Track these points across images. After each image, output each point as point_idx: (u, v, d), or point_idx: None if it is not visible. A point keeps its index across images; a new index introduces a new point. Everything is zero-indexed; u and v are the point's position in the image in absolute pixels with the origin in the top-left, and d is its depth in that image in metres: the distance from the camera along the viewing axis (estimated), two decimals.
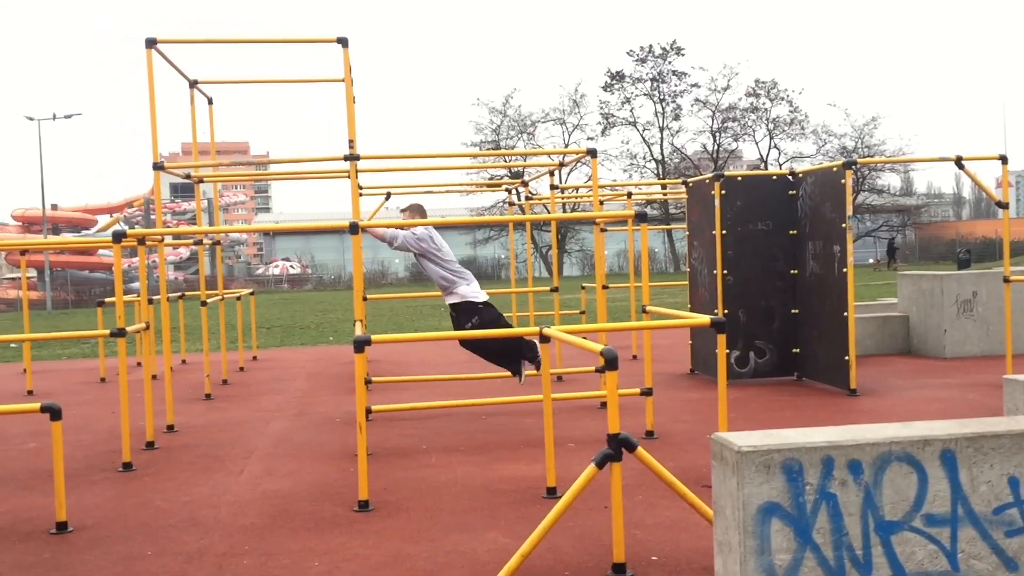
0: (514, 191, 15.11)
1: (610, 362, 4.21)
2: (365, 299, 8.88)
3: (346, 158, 8.17)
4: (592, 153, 8.88)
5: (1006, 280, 9.34)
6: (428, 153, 9.81)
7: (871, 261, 48.73)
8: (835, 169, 9.18)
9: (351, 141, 8.23)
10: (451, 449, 7.17)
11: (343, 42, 8.37)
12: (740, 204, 10.05)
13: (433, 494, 5.81)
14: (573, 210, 31.96)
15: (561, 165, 10.79)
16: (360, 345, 5.32)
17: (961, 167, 9.10)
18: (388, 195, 12.72)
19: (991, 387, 9.06)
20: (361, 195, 11.09)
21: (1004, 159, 9.04)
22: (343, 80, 8.63)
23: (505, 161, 37.10)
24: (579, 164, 39.75)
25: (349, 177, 8.40)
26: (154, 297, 9.30)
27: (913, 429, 3.15)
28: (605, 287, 8.97)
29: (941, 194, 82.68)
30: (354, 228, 6.49)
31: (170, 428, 8.33)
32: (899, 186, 65.04)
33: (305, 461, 6.91)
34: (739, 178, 10.28)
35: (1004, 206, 9.27)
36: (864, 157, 50.88)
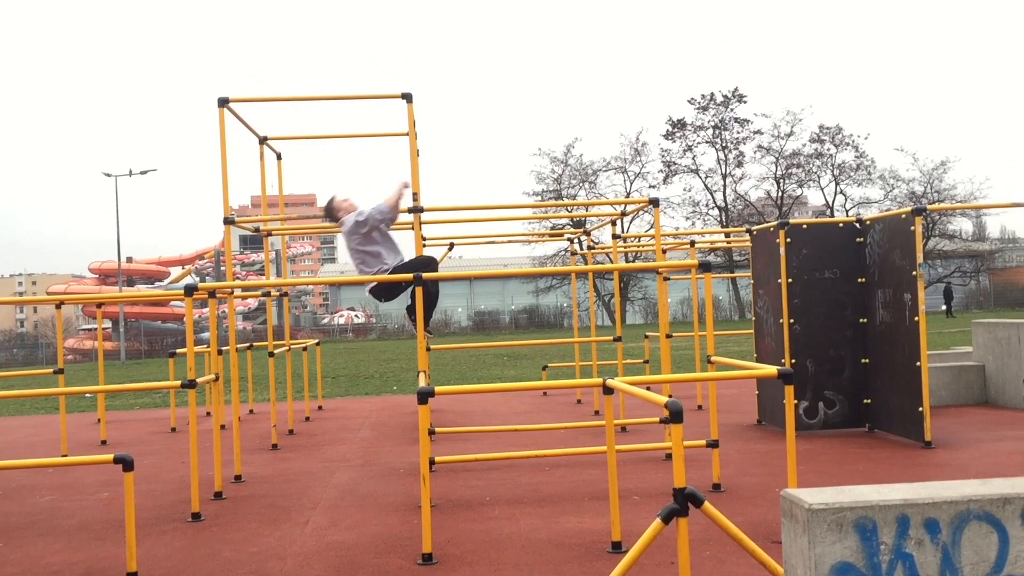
0: (576, 240, 15.14)
1: (675, 414, 4.16)
2: (429, 349, 8.95)
3: (410, 210, 8.30)
4: (655, 202, 8.87)
5: None
6: (490, 205, 9.92)
7: (942, 308, 47.49)
8: (904, 216, 9.01)
9: (415, 194, 8.36)
10: (515, 501, 7.12)
11: (407, 97, 8.55)
12: (806, 252, 9.92)
13: (497, 547, 5.77)
14: (636, 258, 31.88)
15: (623, 215, 10.79)
16: (424, 397, 5.35)
17: None
18: (451, 246, 12.86)
19: None
20: (425, 246, 11.23)
21: None
22: (407, 134, 8.80)
23: (568, 211, 37.23)
24: (642, 212, 39.71)
25: (413, 229, 8.51)
26: (223, 348, 9.48)
27: (992, 487, 3.04)
28: (669, 336, 8.89)
29: (1016, 238, 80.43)
30: (418, 280, 6.56)
31: (238, 478, 8.44)
32: (971, 231, 63.58)
33: (369, 512, 6.93)
34: (804, 226, 10.15)
35: None
36: (933, 202, 49.92)
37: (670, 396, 4.23)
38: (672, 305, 50.23)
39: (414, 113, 8.72)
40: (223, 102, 8.76)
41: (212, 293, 7.64)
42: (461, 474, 8.26)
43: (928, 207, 9.65)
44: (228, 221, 8.96)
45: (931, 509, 2.92)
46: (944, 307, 47.44)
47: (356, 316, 64.09)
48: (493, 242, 13.44)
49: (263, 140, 10.97)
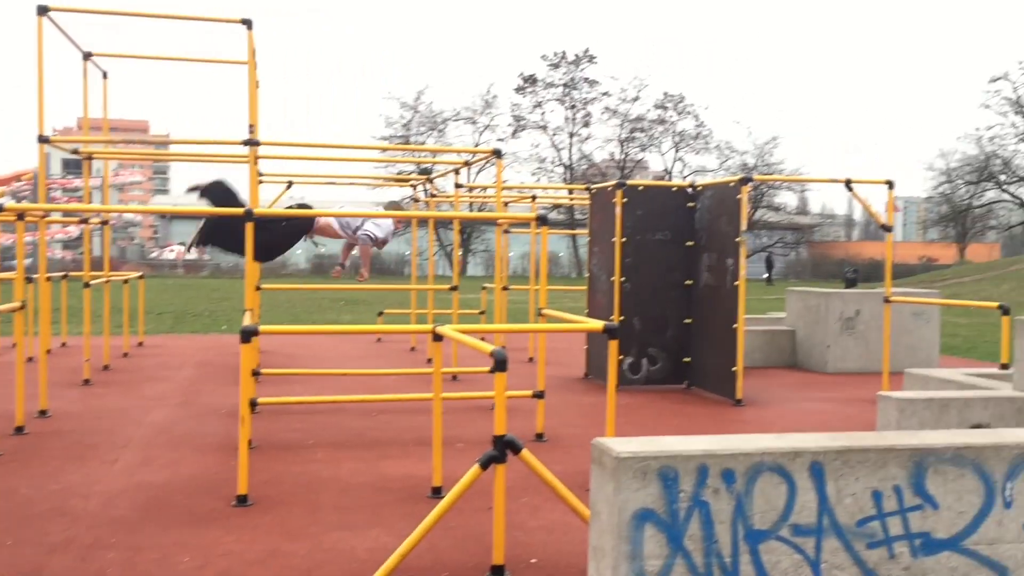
0: (419, 187, 15.01)
1: (499, 363, 4.20)
2: (259, 288, 8.68)
3: (245, 143, 7.96)
4: (498, 154, 8.88)
5: (886, 300, 9.72)
6: (333, 143, 9.65)
7: (764, 276, 50.20)
8: (732, 184, 9.40)
9: (251, 126, 8.03)
10: (339, 445, 7.06)
11: (248, 24, 8.17)
12: (640, 213, 10.20)
13: (316, 490, 5.71)
14: (480, 210, 31.97)
15: (467, 164, 10.76)
16: (247, 335, 5.18)
17: (850, 189, 9.44)
18: (290, 184, 12.48)
19: (868, 402, 9.41)
20: (261, 182, 10.85)
21: (891, 184, 9.41)
22: (246, 63, 8.42)
23: (414, 156, 36.86)
24: (488, 164, 39.81)
25: (248, 163, 8.19)
26: (33, 276, 8.89)
27: (785, 441, 3.23)
28: (505, 288, 8.99)
29: (834, 215, 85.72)
30: (249, 215, 6.32)
31: (43, 413, 7.97)
32: (795, 205, 67.22)
33: (185, 452, 6.70)
34: (640, 187, 10.43)
35: (888, 229, 9.65)
36: (764, 175, 52.39)
37: (503, 348, 4.27)
38: (514, 259, 50.83)
39: (254, 41, 8.34)
40: (43, 10, 8.11)
41: (21, 215, 7.11)
42: (284, 417, 8.11)
43: (753, 177, 10.10)
44: (43, 140, 8.35)
45: (728, 460, 3.07)
46: (766, 275, 50.12)
47: (187, 252, 61.52)
48: (333, 183, 13.14)
49: (87, 56, 10.24)
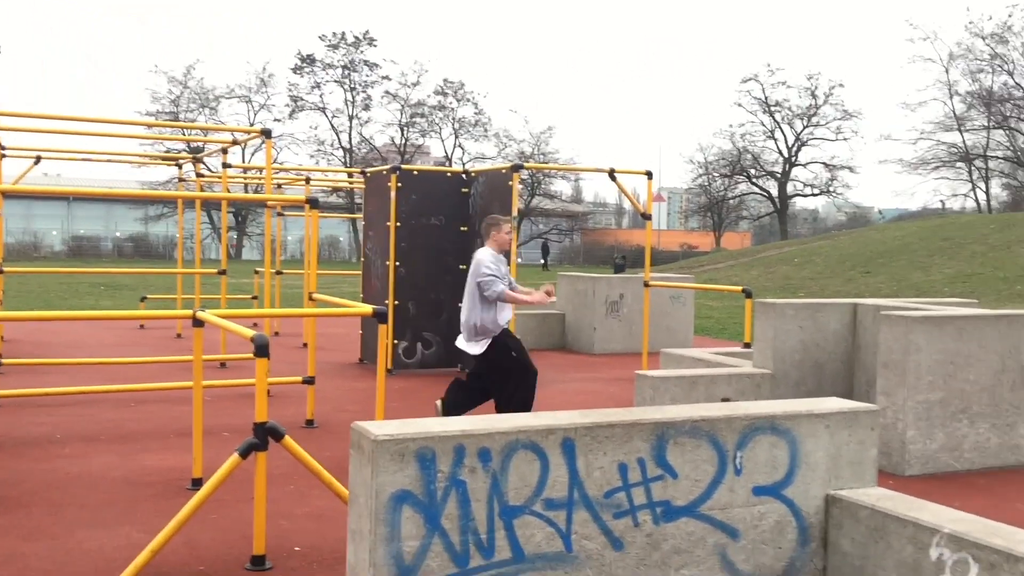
0: (191, 166, 14.30)
1: (260, 349, 4.08)
2: (2, 272, 7.98)
3: None
4: (267, 133, 8.61)
5: (646, 284, 10.29)
6: (85, 116, 8.97)
7: (540, 262, 51.80)
8: (504, 171, 9.62)
9: None
10: (91, 438, 6.62)
11: None
12: (415, 198, 10.23)
13: (61, 487, 5.33)
14: (256, 192, 30.90)
15: (235, 143, 10.36)
16: None
17: (613, 179, 9.90)
18: (38, 159, 11.53)
19: (630, 381, 9.95)
20: (4, 156, 9.97)
21: (649, 174, 9.95)
22: None
23: (184, 134, 35.02)
24: (263, 144, 38.49)
25: None
26: None
27: (539, 419, 3.35)
28: (279, 273, 8.74)
29: (605, 203, 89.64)
30: None
31: None
32: (570, 194, 69.77)
33: None
34: (415, 172, 10.46)
35: (647, 217, 10.21)
36: (537, 163, 53.95)
37: (276, 333, 4.15)
38: (292, 243, 49.51)
39: None
40: None
41: None
42: (30, 410, 7.50)
43: (524, 165, 10.38)
44: None
45: (485, 439, 3.15)
46: (542, 261, 51.75)
47: None
48: (89, 159, 12.26)
49: None
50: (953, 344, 6.26)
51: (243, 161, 44.50)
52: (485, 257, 6.91)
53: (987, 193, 54.91)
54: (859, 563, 3.53)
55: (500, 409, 6.85)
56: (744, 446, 3.57)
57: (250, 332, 4.21)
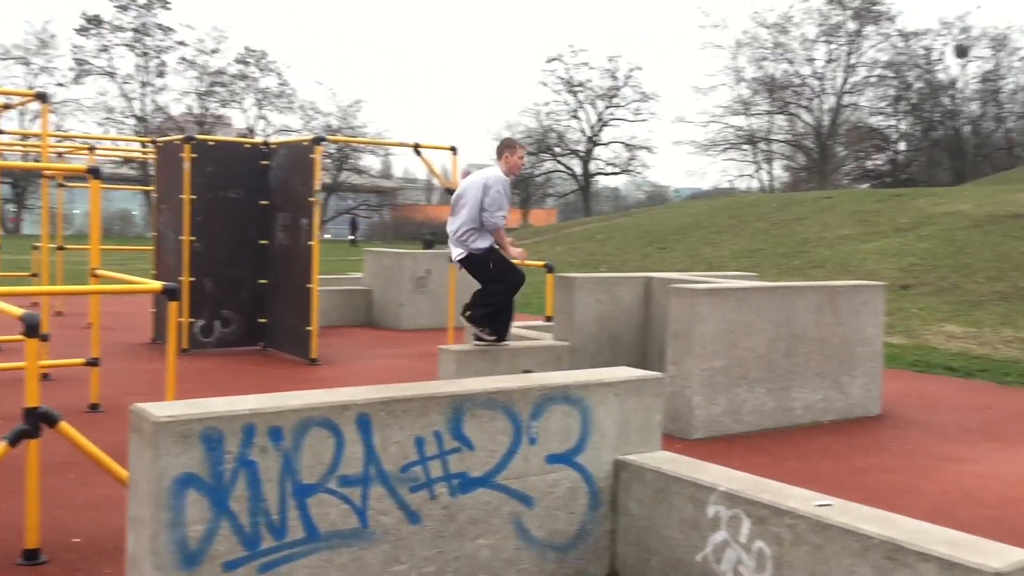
0: None
1: (30, 328, 3.79)
2: None
3: None
4: (42, 97, 7.97)
5: (451, 260, 10.32)
6: None
7: (350, 238, 51.05)
8: (305, 144, 9.37)
9: None
10: None
11: None
12: (212, 170, 9.80)
13: None
14: (37, 161, 28.59)
15: (6, 107, 9.52)
16: None
17: (418, 154, 9.87)
18: None
19: (436, 356, 9.98)
20: None
21: (454, 150, 9.99)
22: None
23: None
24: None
25: None
26: None
27: (334, 395, 3.29)
28: (61, 248, 8.13)
29: (416, 179, 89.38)
30: None
31: None
32: (379, 169, 68.99)
33: None
34: (211, 143, 10.01)
35: (452, 192, 10.24)
36: (345, 136, 53.05)
37: (59, 313, 3.85)
38: (80, 217, 46.31)
39: None
40: None
41: None
42: None
43: (326, 138, 10.15)
44: None
45: (276, 417, 3.06)
46: (350, 236, 51.02)
47: None
48: None
49: None
50: (734, 315, 6.67)
51: (21, 126, 41.10)
52: (499, 178, 6.67)
53: (770, 174, 58.93)
54: (645, 523, 3.71)
55: (475, 303, 6.89)
56: (538, 416, 3.66)
57: (19, 310, 3.90)
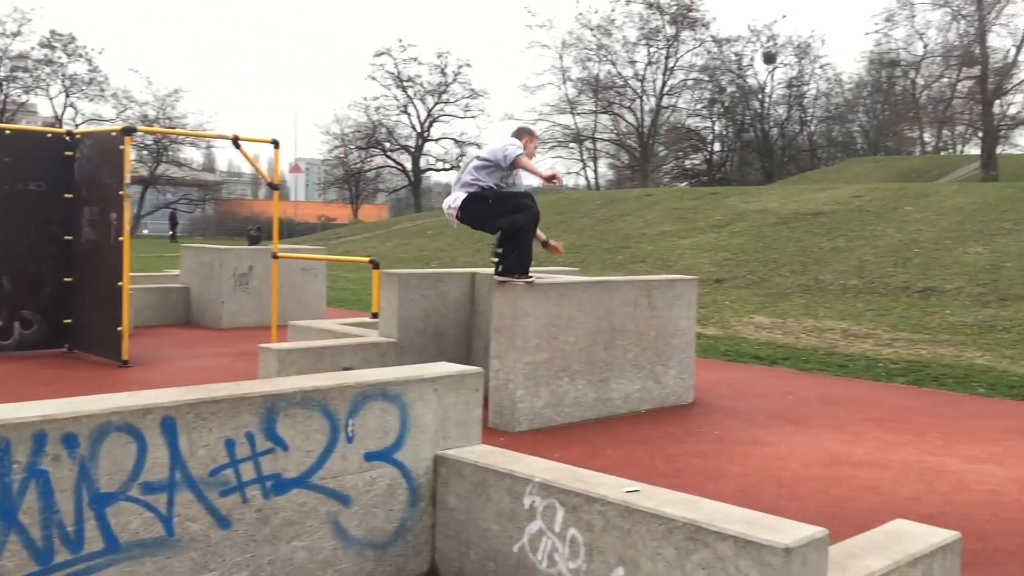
0: None
1: None
2: None
3: None
4: None
5: (274, 256, 10.08)
6: None
7: (170, 233, 48.82)
8: (114, 134, 8.88)
9: None
10: None
11: None
12: (8, 160, 9.14)
13: None
14: None
15: None
16: None
17: (238, 147, 9.54)
18: None
19: (256, 355, 9.70)
20: None
21: (276, 143, 9.72)
22: None
23: None
24: None
25: None
26: None
27: (136, 398, 3.14)
28: None
29: (241, 173, 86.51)
30: None
31: None
32: (201, 162, 66.35)
33: None
34: (8, 131, 9.33)
35: (275, 187, 9.99)
36: (163, 127, 50.74)
37: None
38: None
39: None
40: None
41: None
42: None
43: (138, 128, 9.67)
44: None
45: (71, 424, 2.88)
46: (170, 232, 48.83)
47: None
48: None
49: None
50: (556, 309, 6.82)
51: None
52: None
53: (595, 172, 60.67)
54: (464, 517, 3.74)
55: (497, 253, 6.82)
56: (356, 414, 3.61)
57: None
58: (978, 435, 6.85)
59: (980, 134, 43.56)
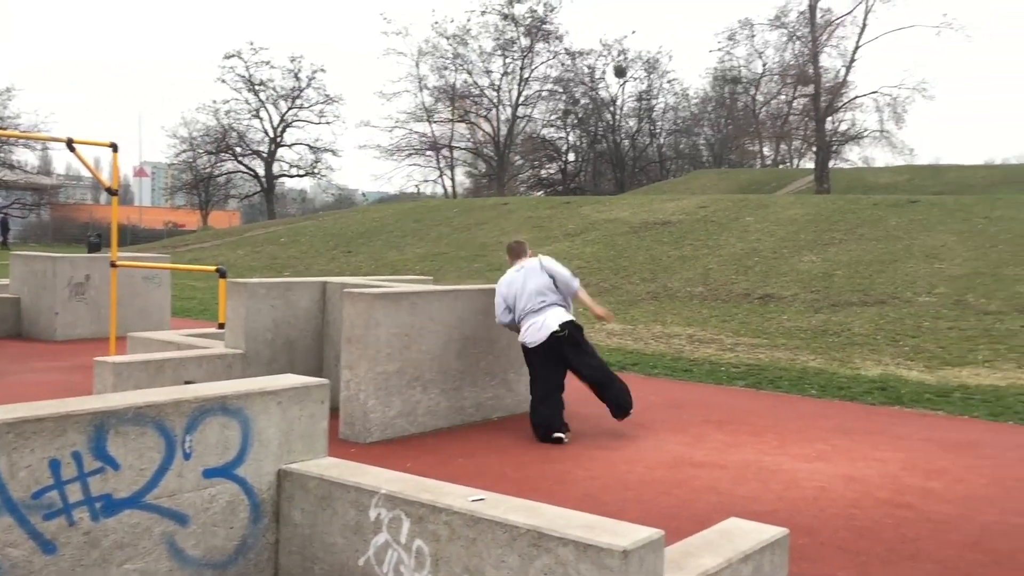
0: None
1: None
2: None
3: None
4: None
5: (113, 264, 9.63)
6: None
7: (1, 240, 45.85)
8: None
9: None
10: None
11: None
12: None
13: None
14: None
15: None
16: None
17: (72, 150, 9.07)
18: None
19: (92, 369, 9.23)
20: None
21: (115, 147, 9.29)
22: None
23: None
24: None
25: None
26: None
27: None
28: None
29: (81, 176, 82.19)
30: None
31: None
32: (37, 164, 62.71)
33: None
34: None
35: (113, 192, 9.54)
36: None
37: None
38: None
39: None
40: None
41: None
42: None
43: None
44: None
45: None
46: (1, 239, 45.88)
47: None
48: None
49: None
50: (408, 318, 6.79)
51: None
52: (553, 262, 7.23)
53: (452, 180, 60.85)
54: (308, 532, 3.67)
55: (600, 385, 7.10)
56: (194, 429, 3.49)
57: None
58: (809, 435, 7.25)
59: (814, 149, 46.19)
